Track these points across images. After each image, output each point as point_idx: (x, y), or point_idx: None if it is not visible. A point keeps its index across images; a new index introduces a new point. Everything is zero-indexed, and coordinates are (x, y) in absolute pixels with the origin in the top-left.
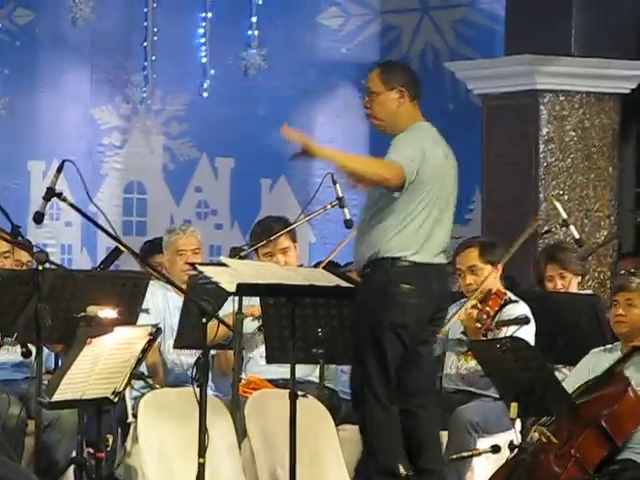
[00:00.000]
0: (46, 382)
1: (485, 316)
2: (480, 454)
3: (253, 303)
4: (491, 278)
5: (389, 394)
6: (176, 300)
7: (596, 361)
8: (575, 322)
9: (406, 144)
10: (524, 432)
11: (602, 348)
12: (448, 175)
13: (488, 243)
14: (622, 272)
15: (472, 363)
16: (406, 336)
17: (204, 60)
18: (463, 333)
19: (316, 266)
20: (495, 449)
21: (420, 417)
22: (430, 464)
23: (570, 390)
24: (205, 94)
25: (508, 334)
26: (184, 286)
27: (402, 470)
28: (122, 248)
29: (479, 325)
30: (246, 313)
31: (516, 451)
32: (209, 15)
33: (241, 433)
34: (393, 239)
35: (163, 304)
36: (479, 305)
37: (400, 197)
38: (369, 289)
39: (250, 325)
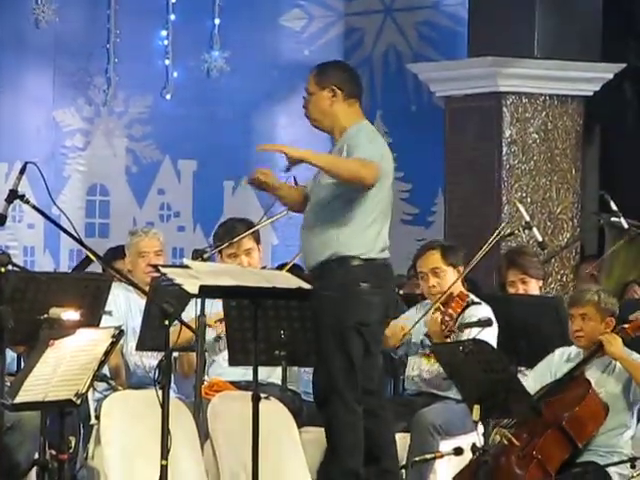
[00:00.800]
0: (8, 384)
1: (448, 318)
2: (442, 456)
3: (216, 310)
4: (453, 281)
5: (356, 395)
6: (138, 302)
7: (557, 368)
8: (537, 325)
9: (367, 141)
10: (486, 434)
11: (565, 357)
12: (392, 170)
13: (449, 246)
14: (586, 272)
15: (435, 365)
16: (368, 335)
17: (167, 62)
18: (426, 335)
19: (279, 268)
20: (458, 451)
21: (381, 418)
22: (390, 465)
23: (531, 392)
24: (168, 96)
25: (471, 337)
26: (146, 288)
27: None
28: (91, 256)
29: (443, 327)
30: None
31: (478, 453)
32: (172, 17)
33: (204, 435)
34: (352, 238)
35: (125, 306)
36: (442, 308)
37: (358, 196)
38: (329, 289)
39: (213, 331)
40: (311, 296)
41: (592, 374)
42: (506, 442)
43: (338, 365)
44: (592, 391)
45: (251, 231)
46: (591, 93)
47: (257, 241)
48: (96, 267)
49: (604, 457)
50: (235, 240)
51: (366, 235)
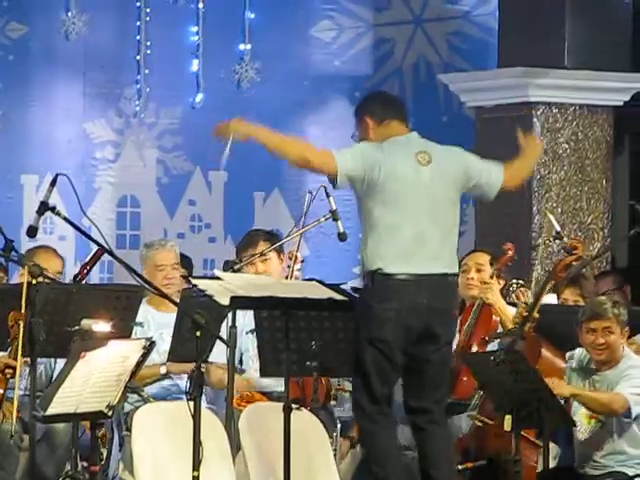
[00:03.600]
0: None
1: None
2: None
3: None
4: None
5: (374, 406)
6: (155, 315)
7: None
8: (568, 333)
9: (354, 148)
10: (517, 445)
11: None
12: (420, 182)
13: (498, 255)
14: (604, 291)
15: None
16: (388, 350)
17: (197, 73)
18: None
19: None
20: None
21: (428, 432)
22: (439, 476)
23: None
24: (198, 107)
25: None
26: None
27: None
28: (123, 266)
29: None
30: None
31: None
32: (202, 28)
33: (235, 446)
34: (367, 251)
35: (143, 320)
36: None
37: (363, 207)
38: (358, 303)
39: (245, 341)
40: (344, 307)
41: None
42: (480, 424)
43: (356, 377)
44: (544, 348)
45: (274, 246)
46: (621, 103)
47: (278, 251)
48: (120, 274)
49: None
50: (258, 255)
51: (380, 251)
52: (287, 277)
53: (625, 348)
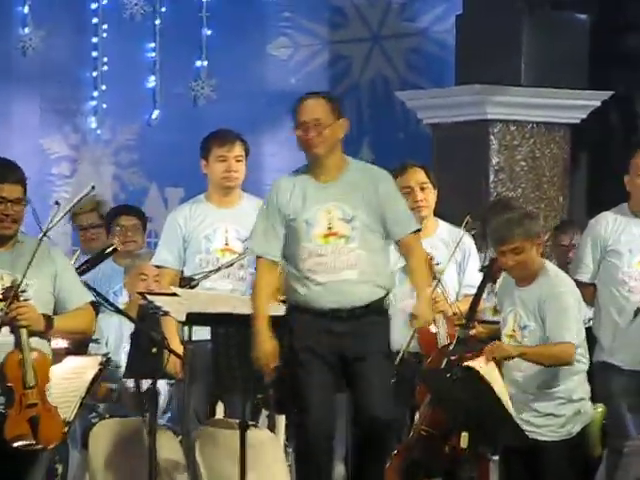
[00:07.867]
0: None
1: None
2: None
3: None
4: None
5: None
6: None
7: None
8: None
9: None
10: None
11: None
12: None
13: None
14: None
15: None
16: None
17: (154, 90)
18: None
19: None
20: None
21: None
22: None
23: None
24: (155, 124)
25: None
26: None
27: None
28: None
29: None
30: None
31: None
32: (159, 45)
33: (192, 462)
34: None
35: (117, 332)
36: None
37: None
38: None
39: None
40: None
41: None
42: (425, 434)
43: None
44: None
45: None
46: (578, 120)
47: (246, 154)
48: None
49: None
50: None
51: None
52: None
53: (545, 262)
